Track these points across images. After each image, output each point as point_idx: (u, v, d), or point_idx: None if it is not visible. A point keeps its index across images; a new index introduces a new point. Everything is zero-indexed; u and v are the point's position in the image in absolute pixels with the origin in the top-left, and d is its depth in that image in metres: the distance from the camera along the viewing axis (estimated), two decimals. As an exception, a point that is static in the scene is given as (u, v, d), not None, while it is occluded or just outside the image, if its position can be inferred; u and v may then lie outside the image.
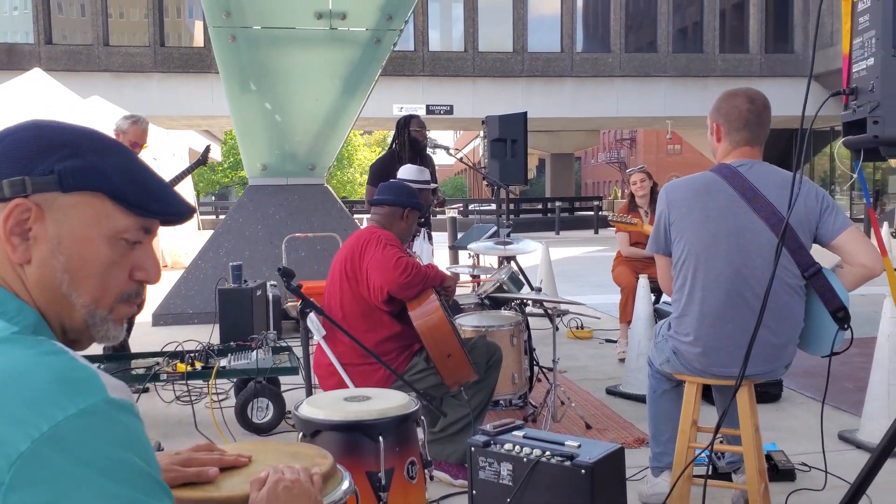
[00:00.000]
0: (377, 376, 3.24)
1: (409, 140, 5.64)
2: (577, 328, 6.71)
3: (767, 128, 2.71)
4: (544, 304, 4.30)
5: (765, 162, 2.70)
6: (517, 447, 2.61)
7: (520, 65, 24.55)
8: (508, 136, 6.44)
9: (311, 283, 7.11)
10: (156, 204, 1.00)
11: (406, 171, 4.70)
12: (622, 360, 5.72)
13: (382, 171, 5.63)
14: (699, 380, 2.75)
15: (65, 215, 0.95)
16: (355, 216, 9.92)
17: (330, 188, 8.59)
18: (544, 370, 4.68)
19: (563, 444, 2.59)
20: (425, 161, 5.78)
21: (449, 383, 3.17)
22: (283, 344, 5.03)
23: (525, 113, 6.57)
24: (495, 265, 5.80)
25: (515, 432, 2.77)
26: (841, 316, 2.52)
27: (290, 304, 7.22)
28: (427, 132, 5.76)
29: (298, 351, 5.15)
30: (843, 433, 4.00)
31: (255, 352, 4.36)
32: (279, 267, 2.69)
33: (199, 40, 23.37)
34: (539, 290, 4.24)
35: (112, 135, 5.50)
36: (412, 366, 3.29)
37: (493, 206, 27.80)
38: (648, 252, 2.90)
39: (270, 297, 6.04)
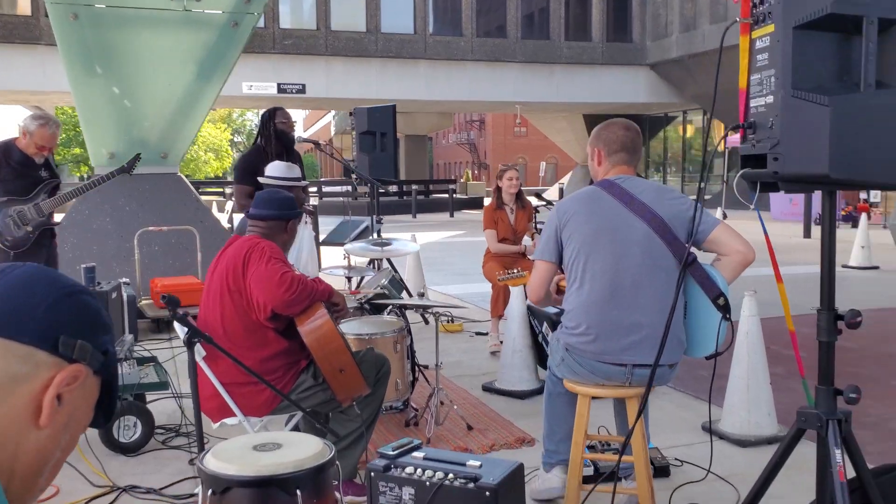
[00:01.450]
0: (263, 397, 3.11)
1: (276, 133, 5.42)
2: (448, 321, 6.76)
3: (640, 153, 3.07)
4: (429, 309, 4.26)
5: (634, 177, 2.97)
6: (419, 470, 2.57)
7: (373, 45, 24.33)
8: (378, 128, 6.34)
9: (170, 281, 6.75)
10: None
11: (274, 168, 4.52)
12: (494, 354, 5.82)
13: (249, 167, 5.38)
14: (591, 390, 2.82)
15: (83, 396, 0.89)
16: (203, 197, 9.34)
17: (184, 178, 8.16)
18: (423, 372, 4.67)
19: (464, 465, 2.59)
20: (293, 155, 5.58)
21: (341, 398, 3.08)
22: (146, 353, 4.75)
23: (394, 106, 6.49)
24: (366, 263, 5.72)
25: (415, 453, 2.74)
26: (722, 303, 2.73)
27: (144, 302, 6.82)
28: (294, 123, 5.56)
29: (164, 354, 4.92)
30: (706, 424, 4.24)
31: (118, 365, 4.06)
32: (163, 295, 2.49)
33: (24, 7, 21.48)
34: (422, 294, 4.20)
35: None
36: (299, 383, 3.17)
37: (348, 189, 27.52)
38: (533, 257, 3.01)
39: (125, 298, 5.68)
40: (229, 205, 16.87)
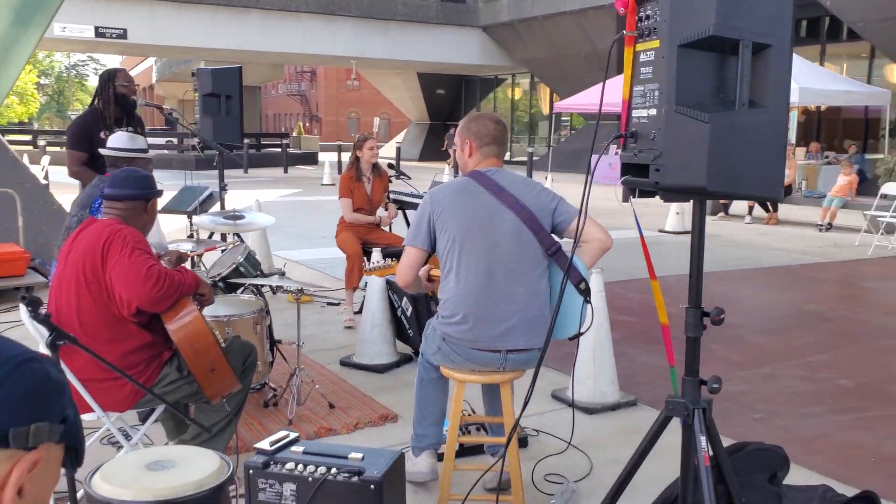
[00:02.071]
0: (124, 392, 2.94)
1: (116, 96, 5.04)
2: (297, 291, 6.63)
3: (507, 145, 3.19)
4: (292, 289, 4.17)
5: (501, 169, 3.05)
6: (299, 465, 2.55)
7: (202, -9, 23.05)
8: (222, 91, 6.04)
9: (-11, 250, 6.18)
10: None
11: (117, 140, 4.22)
12: (349, 328, 5.80)
13: (84, 132, 4.98)
14: (467, 377, 2.89)
15: (46, 473, 0.80)
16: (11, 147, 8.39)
17: (1, 137, 7.43)
18: (281, 351, 4.59)
19: (346, 458, 2.59)
20: (134, 121, 5.23)
21: (211, 396, 2.97)
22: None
23: (240, 67, 6.20)
24: (217, 236, 5.49)
25: (293, 448, 2.70)
26: (584, 288, 2.90)
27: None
28: (137, 87, 5.20)
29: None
30: (556, 392, 4.48)
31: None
32: (23, 295, 2.28)
33: None
34: (282, 273, 4.11)
35: None
36: (163, 376, 3.02)
37: (171, 140, 26.07)
38: (404, 244, 3.04)
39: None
40: (45, 159, 15.52)
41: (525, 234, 2.87)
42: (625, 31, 2.10)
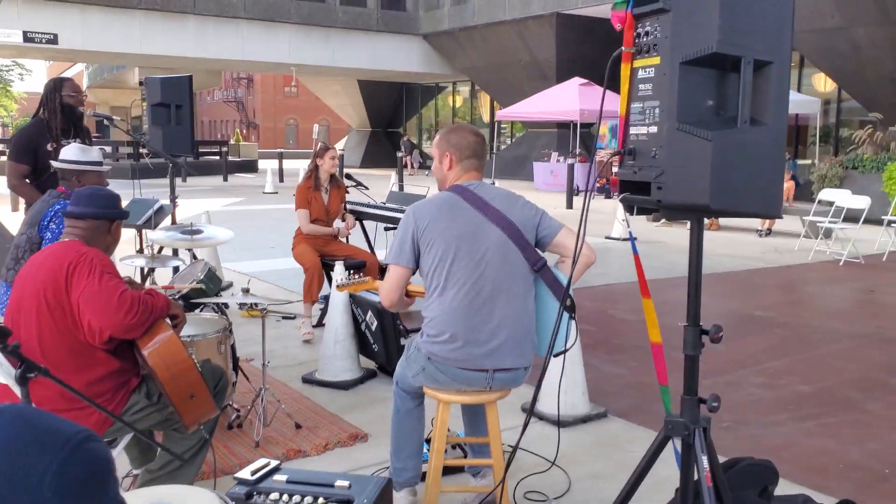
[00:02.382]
0: (91, 422, 2.77)
1: (62, 107, 4.83)
2: (251, 307, 6.46)
3: (486, 157, 3.13)
4: (260, 307, 4.03)
5: (484, 183, 3.00)
6: (284, 496, 2.45)
7: (136, -5, 22.46)
8: (172, 101, 5.86)
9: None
10: None
11: (69, 152, 4.03)
12: (307, 342, 5.67)
13: (30, 145, 4.75)
14: (452, 397, 2.83)
15: None
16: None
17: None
18: (243, 370, 4.44)
19: (332, 486, 2.49)
20: (81, 132, 5.02)
21: (188, 423, 2.83)
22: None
23: (190, 77, 6.02)
24: (168, 251, 5.30)
25: (276, 476, 2.59)
26: (569, 304, 2.83)
27: None
28: (84, 97, 4.98)
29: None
30: (525, 405, 4.45)
31: None
32: None
33: None
34: (247, 290, 3.97)
35: None
36: (132, 404, 2.87)
37: (105, 149, 25.32)
38: (387, 261, 2.95)
39: None
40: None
41: (511, 250, 2.82)
42: (623, 48, 2.07)
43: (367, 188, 6.28)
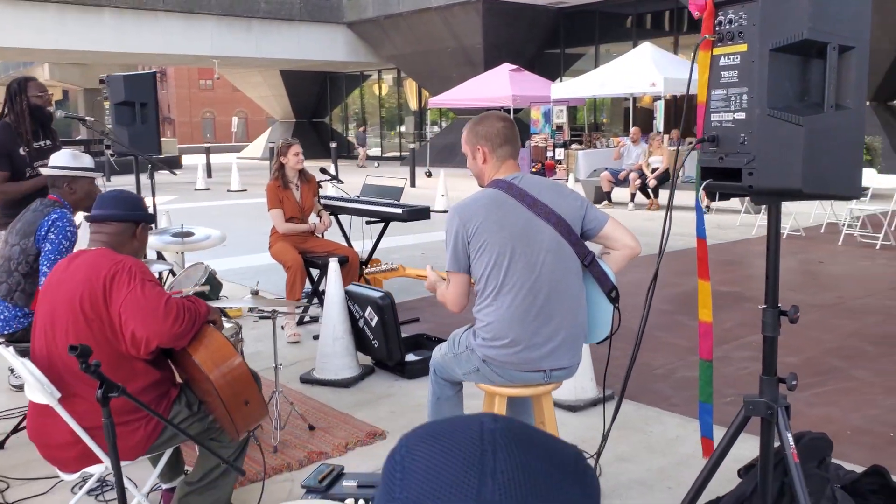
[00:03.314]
0: (136, 437, 2.67)
1: (30, 109, 4.58)
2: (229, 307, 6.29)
3: (519, 142, 2.99)
4: (270, 312, 3.92)
5: (526, 173, 2.93)
6: (360, 501, 2.41)
7: (48, -11, 21.42)
8: (137, 98, 5.63)
9: None
10: None
11: (61, 158, 3.85)
12: (294, 343, 5.56)
13: (3, 151, 4.49)
14: (508, 391, 2.82)
15: None
16: None
17: None
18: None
19: (407, 486, 2.47)
20: (49, 134, 4.78)
21: (240, 430, 2.74)
22: None
23: (154, 73, 5.80)
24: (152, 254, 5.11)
25: (345, 482, 2.55)
26: (614, 295, 2.87)
27: None
28: (51, 97, 4.74)
29: None
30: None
31: None
32: (72, 345, 2.01)
33: None
34: (256, 292, 3.86)
35: None
36: (173, 416, 2.76)
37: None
38: (447, 270, 2.85)
39: None
40: None
41: (564, 247, 2.76)
42: (706, 36, 2.09)
43: (341, 182, 6.18)
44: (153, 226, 5.00)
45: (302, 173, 5.84)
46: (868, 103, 16.89)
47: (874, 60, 16.25)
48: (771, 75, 1.99)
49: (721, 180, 2.14)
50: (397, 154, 31.50)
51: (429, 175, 21.32)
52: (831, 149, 2.02)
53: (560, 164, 19.65)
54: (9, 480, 3.51)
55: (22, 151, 4.55)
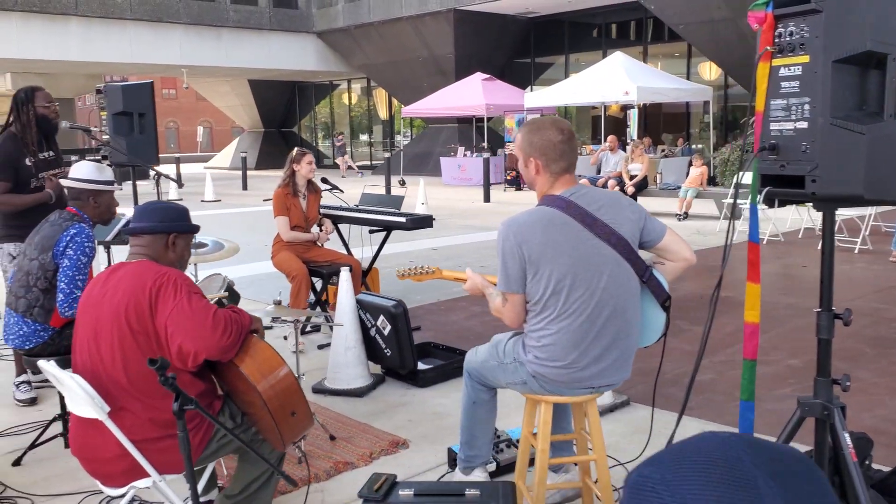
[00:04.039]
0: (184, 450, 2.63)
1: (37, 119, 4.51)
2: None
3: (577, 153, 2.89)
4: (303, 322, 3.90)
5: (583, 185, 2.87)
6: (422, 509, 2.41)
7: (11, -3, 21.04)
8: (135, 109, 5.56)
9: None
10: None
11: (83, 170, 3.80)
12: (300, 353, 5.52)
13: (8, 162, 4.42)
14: (554, 398, 2.84)
15: None
16: None
17: None
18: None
19: (464, 496, 2.48)
20: (53, 145, 4.71)
21: (286, 441, 2.72)
22: None
23: (151, 83, 5.73)
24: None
25: (401, 491, 2.54)
26: (668, 305, 2.87)
27: None
28: (57, 107, 4.67)
29: None
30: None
31: None
32: (152, 358, 1.99)
33: None
34: (279, 302, 3.84)
35: None
36: (218, 428, 2.74)
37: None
38: (502, 290, 2.78)
39: None
40: None
41: (624, 268, 2.71)
42: (768, 48, 2.14)
43: (342, 191, 6.17)
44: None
45: (310, 184, 5.84)
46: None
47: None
48: (833, 86, 2.05)
49: (781, 187, 2.19)
50: (368, 163, 31.44)
51: (402, 184, 21.30)
52: (890, 156, 2.08)
53: (534, 172, 19.77)
54: (32, 497, 3.44)
55: (27, 162, 4.49)
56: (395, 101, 30.37)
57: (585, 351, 2.70)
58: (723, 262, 2.44)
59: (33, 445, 3.84)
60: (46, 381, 4.86)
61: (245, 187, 22.16)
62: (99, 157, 5.84)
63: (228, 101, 34.87)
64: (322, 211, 6.11)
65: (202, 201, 18.54)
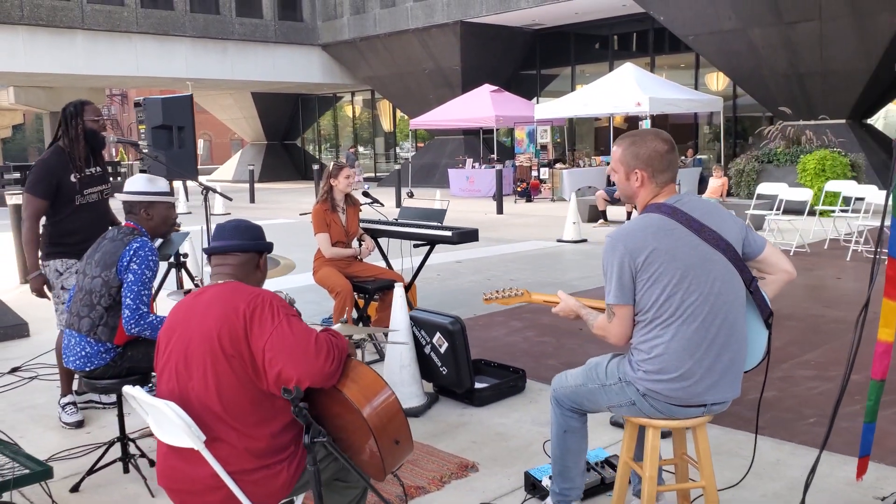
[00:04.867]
0: (280, 480, 2.50)
1: (85, 134, 4.40)
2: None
3: (678, 163, 2.84)
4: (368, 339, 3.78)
5: (686, 193, 2.79)
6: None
7: (18, 10, 20.95)
8: (174, 122, 5.46)
9: None
10: None
11: (137, 183, 3.68)
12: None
13: (51, 177, 4.29)
14: (661, 423, 2.71)
15: None
16: None
17: None
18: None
19: None
20: (99, 159, 4.59)
21: (388, 469, 2.59)
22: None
23: (191, 96, 5.63)
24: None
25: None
26: (770, 322, 2.77)
27: None
28: (107, 121, 4.55)
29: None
30: (614, 419, 4.38)
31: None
32: (286, 388, 1.87)
33: None
34: (345, 320, 3.71)
35: None
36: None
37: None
38: (611, 302, 2.68)
39: None
40: None
41: (734, 275, 2.64)
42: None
43: (382, 204, 6.05)
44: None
45: (349, 197, 5.73)
46: (843, 121, 17.30)
47: (851, 80, 16.77)
48: None
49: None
50: (372, 175, 31.37)
51: (410, 195, 21.21)
52: None
53: (545, 183, 19.74)
54: (96, 527, 3.30)
55: (73, 178, 4.36)
56: (399, 113, 30.35)
57: (699, 360, 2.60)
58: (870, 285, 2.32)
59: (91, 471, 3.70)
60: (91, 401, 4.73)
61: (252, 200, 22.05)
62: (137, 171, 5.71)
63: (231, 114, 34.83)
64: (364, 226, 5.99)
65: (212, 214, 18.38)
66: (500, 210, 16.90)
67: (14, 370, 5.59)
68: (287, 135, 35.71)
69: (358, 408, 2.42)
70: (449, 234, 5.56)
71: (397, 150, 31.70)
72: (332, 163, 5.77)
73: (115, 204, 4.23)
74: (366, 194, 5.99)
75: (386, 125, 32.55)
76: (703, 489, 2.73)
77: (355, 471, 2.25)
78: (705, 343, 2.60)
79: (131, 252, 3.48)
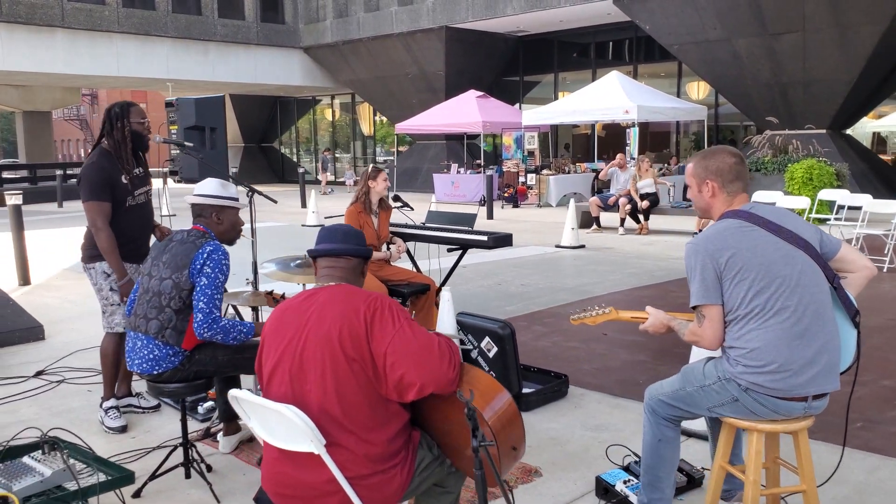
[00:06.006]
0: (394, 485, 2.47)
1: (132, 135, 4.32)
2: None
3: (748, 176, 2.97)
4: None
5: (758, 202, 2.93)
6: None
7: (-4, 7, 20.54)
8: (207, 123, 5.39)
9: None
10: None
11: (209, 187, 3.63)
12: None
13: (106, 180, 4.20)
14: (766, 427, 2.73)
15: None
16: None
17: None
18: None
19: None
20: (141, 162, 4.51)
21: (501, 475, 2.56)
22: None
23: (223, 97, 5.56)
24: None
25: None
26: (858, 321, 2.83)
27: None
28: (149, 123, 4.48)
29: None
30: (688, 429, 4.36)
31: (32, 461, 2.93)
32: (461, 392, 1.84)
33: None
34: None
35: None
36: (419, 461, 2.57)
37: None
38: (700, 302, 2.73)
39: None
40: None
41: (816, 269, 2.73)
42: None
43: (412, 209, 6.03)
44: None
45: (381, 201, 5.70)
46: (824, 131, 17.63)
47: (832, 90, 17.09)
48: None
49: None
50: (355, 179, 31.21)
51: (396, 199, 21.15)
52: None
53: (531, 189, 19.80)
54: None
55: (124, 180, 4.29)
56: (379, 117, 30.27)
57: (796, 350, 2.66)
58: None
59: (153, 476, 3.62)
60: (131, 405, 4.64)
61: (235, 203, 21.79)
62: (172, 175, 5.63)
63: (208, 116, 34.43)
64: (394, 230, 5.96)
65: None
66: (490, 215, 16.92)
67: (39, 374, 5.46)
68: (265, 137, 35.43)
69: (489, 422, 2.40)
70: (484, 238, 5.55)
71: (375, 155, 31.61)
72: (370, 165, 5.74)
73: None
74: (396, 198, 5.96)
75: (365, 129, 32.44)
76: (804, 493, 2.75)
77: (500, 484, 2.21)
78: (797, 334, 2.67)
79: (205, 255, 3.42)
